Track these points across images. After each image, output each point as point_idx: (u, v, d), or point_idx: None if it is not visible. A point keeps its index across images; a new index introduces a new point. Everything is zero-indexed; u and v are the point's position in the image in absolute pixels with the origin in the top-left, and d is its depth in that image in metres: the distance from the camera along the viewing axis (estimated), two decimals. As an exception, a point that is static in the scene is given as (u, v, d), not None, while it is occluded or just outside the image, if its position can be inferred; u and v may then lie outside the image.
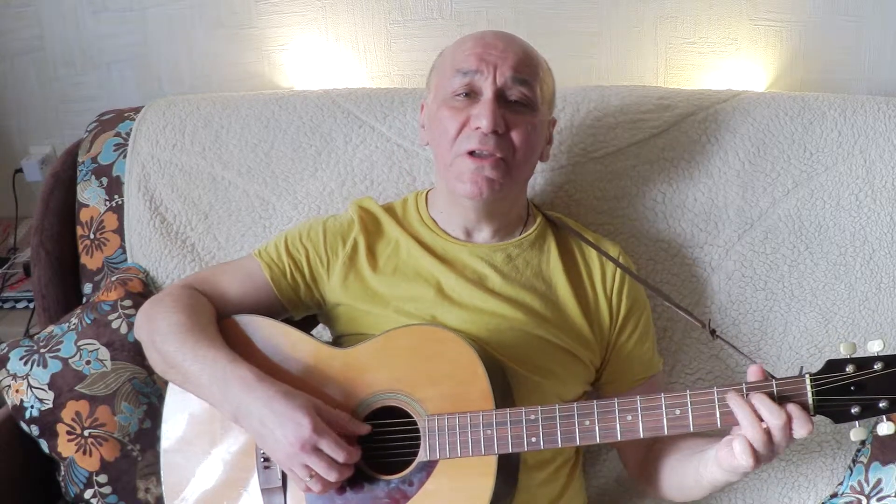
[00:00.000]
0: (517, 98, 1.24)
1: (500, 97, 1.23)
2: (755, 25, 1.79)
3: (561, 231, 1.36)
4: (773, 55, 1.81)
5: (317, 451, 1.10)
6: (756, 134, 1.52)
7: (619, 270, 1.32)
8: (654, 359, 1.36)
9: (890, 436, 0.98)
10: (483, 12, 1.87)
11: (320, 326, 1.45)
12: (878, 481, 1.36)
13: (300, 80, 1.97)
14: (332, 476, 1.10)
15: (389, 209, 1.38)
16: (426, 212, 1.36)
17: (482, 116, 1.20)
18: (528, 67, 1.25)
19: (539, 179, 1.53)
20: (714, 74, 1.83)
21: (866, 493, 1.37)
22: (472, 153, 1.22)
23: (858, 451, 1.45)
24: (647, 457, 1.29)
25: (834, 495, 1.46)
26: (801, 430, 0.99)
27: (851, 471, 1.45)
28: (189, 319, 1.23)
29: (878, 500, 1.34)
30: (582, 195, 1.52)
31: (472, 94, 1.24)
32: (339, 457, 1.10)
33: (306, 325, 1.41)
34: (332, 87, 1.71)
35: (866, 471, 1.39)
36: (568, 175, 1.53)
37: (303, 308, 1.37)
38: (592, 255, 1.33)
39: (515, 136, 1.22)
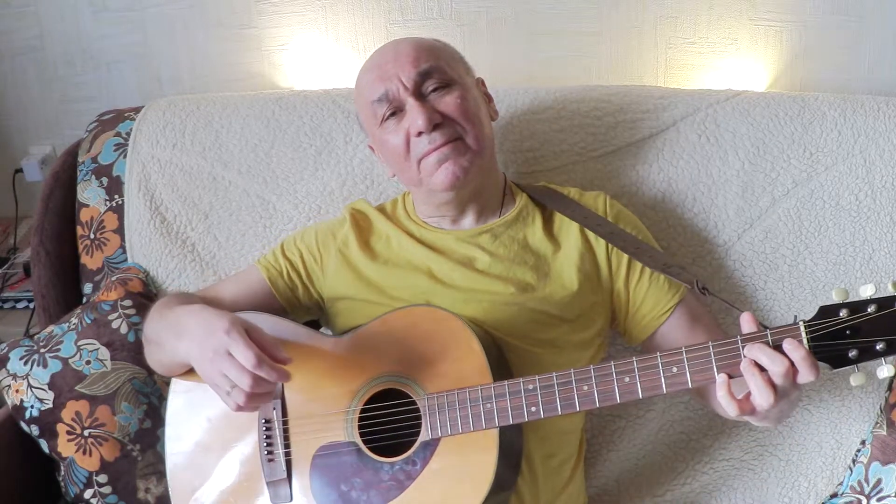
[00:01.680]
0: (435, 85, 1.26)
1: (419, 96, 1.25)
2: (755, 25, 1.79)
3: (545, 204, 1.37)
4: (773, 55, 1.81)
5: (229, 356, 1.06)
6: (756, 134, 1.52)
7: (608, 215, 1.34)
8: (675, 284, 1.32)
9: (891, 378, 0.98)
10: (483, 12, 1.87)
11: (323, 329, 1.46)
12: (878, 481, 1.36)
13: (300, 80, 1.97)
14: (244, 382, 1.05)
15: (381, 208, 1.42)
16: (413, 209, 1.39)
17: (415, 120, 1.23)
18: (424, 57, 1.28)
19: (539, 179, 1.53)
20: (714, 74, 1.83)
21: (866, 493, 1.37)
22: (429, 152, 1.24)
23: (858, 451, 1.45)
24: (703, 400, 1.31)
25: (834, 495, 1.46)
26: (808, 374, 0.98)
27: (851, 471, 1.45)
28: (172, 299, 1.29)
29: (878, 500, 1.34)
30: (582, 195, 1.52)
31: (398, 112, 1.27)
32: (247, 361, 1.04)
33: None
34: (332, 87, 1.71)
35: (866, 471, 1.39)
36: (568, 175, 1.53)
37: (302, 310, 1.39)
38: (578, 213, 1.34)
39: (453, 113, 1.25)
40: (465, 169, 1.25)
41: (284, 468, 1.20)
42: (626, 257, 1.30)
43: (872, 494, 1.35)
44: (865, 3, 1.74)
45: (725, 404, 1.02)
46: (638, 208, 1.51)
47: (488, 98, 1.38)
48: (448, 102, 1.26)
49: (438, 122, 1.24)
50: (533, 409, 1.09)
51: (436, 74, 1.27)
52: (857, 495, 1.38)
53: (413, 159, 1.26)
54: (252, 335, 1.07)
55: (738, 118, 1.53)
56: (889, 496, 1.32)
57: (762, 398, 0.99)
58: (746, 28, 1.80)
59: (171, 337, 1.21)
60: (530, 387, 1.09)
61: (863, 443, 1.45)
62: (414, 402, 1.15)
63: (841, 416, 1.47)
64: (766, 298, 1.49)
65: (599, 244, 1.31)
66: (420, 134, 1.24)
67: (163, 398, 1.46)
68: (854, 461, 1.45)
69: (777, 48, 1.80)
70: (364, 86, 1.31)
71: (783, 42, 1.80)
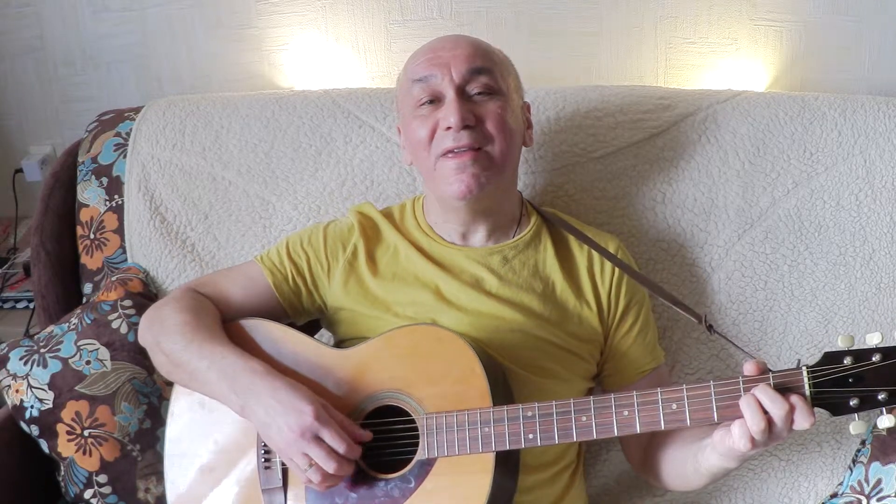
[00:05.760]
0: (480, 89, 1.25)
1: (462, 94, 1.24)
2: (755, 25, 1.80)
3: (557, 227, 1.36)
4: (773, 55, 1.81)
5: (317, 439, 1.10)
6: (756, 134, 1.52)
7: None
8: (657, 350, 1.36)
9: (890, 429, 0.98)
10: (483, 12, 1.87)
11: (322, 330, 1.46)
12: (878, 481, 1.36)
13: (300, 80, 1.97)
14: (330, 466, 1.10)
15: (388, 214, 1.39)
16: (423, 217, 1.36)
17: (449, 115, 1.22)
18: (480, 57, 1.27)
19: (539, 179, 1.53)
20: (714, 74, 1.83)
21: (866, 493, 1.37)
22: (450, 152, 1.22)
23: (858, 451, 1.45)
24: (647, 449, 1.29)
25: (834, 495, 1.46)
26: (803, 422, 0.99)
27: (851, 471, 1.45)
28: (195, 319, 1.25)
29: (878, 500, 1.33)
30: (582, 195, 1.52)
31: (436, 101, 1.25)
32: (340, 447, 1.10)
33: (310, 330, 1.41)
34: (332, 87, 1.71)
35: (866, 471, 1.39)
36: (568, 175, 1.53)
37: (304, 314, 1.38)
38: (591, 251, 1.34)
39: (489, 124, 1.24)
40: (481, 184, 1.22)
41: (280, 477, 1.19)
42: (622, 307, 1.31)
43: (872, 494, 1.35)
44: (865, 3, 1.75)
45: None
46: (637, 209, 1.51)
47: (528, 124, 1.36)
48: (488, 108, 1.24)
49: (471, 124, 1.22)
50: (530, 436, 1.08)
51: (485, 77, 1.25)
52: (857, 495, 1.38)
53: (433, 154, 1.24)
54: (330, 414, 1.12)
55: (738, 118, 1.53)
56: (889, 496, 1.32)
57: (755, 424, 0.99)
58: (746, 28, 1.80)
59: (217, 380, 1.18)
60: (529, 414, 1.09)
61: (863, 443, 1.45)
62: (413, 421, 1.14)
63: (841, 417, 1.46)
64: (766, 298, 1.49)
65: (604, 285, 1.31)
66: (448, 129, 1.22)
67: (163, 398, 1.46)
68: (854, 461, 1.45)
69: (777, 48, 1.80)
70: (411, 64, 1.30)
71: (783, 42, 1.80)
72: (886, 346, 0.98)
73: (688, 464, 1.17)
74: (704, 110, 1.54)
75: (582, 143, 1.54)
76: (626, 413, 1.06)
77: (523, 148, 1.33)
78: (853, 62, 1.79)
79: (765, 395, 1.00)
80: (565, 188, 1.52)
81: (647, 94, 1.58)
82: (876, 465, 1.38)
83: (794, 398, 0.99)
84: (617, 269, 1.31)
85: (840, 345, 0.99)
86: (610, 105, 1.55)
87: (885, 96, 1.55)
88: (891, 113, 1.50)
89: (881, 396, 0.97)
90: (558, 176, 1.53)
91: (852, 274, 1.48)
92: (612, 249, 1.34)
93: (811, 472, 1.48)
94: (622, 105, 1.55)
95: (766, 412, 1.00)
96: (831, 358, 1.00)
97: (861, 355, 0.98)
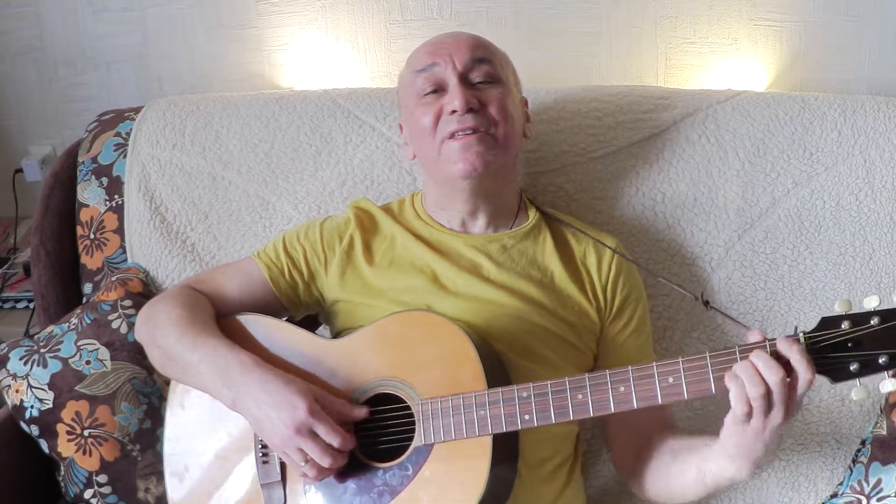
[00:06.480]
0: (482, 78, 1.28)
1: (465, 81, 1.27)
2: (755, 25, 1.79)
3: (557, 224, 1.37)
4: (773, 55, 1.81)
5: (312, 434, 1.11)
6: (756, 134, 1.52)
7: (615, 261, 1.33)
8: (650, 354, 1.36)
9: (893, 393, 0.95)
10: (483, 12, 1.87)
11: (322, 327, 1.46)
12: (878, 481, 1.36)
13: (300, 80, 1.97)
14: (325, 461, 1.11)
15: (387, 208, 1.41)
16: (422, 207, 1.38)
17: (453, 99, 1.25)
18: (481, 48, 1.31)
19: (540, 179, 1.53)
20: (714, 74, 1.83)
21: (866, 493, 1.37)
22: (455, 134, 1.24)
23: (858, 451, 1.45)
24: (640, 457, 1.28)
25: (834, 495, 1.46)
26: (805, 373, 0.95)
27: (851, 471, 1.45)
28: (188, 313, 1.25)
29: (878, 500, 1.34)
30: (582, 195, 1.52)
31: (439, 90, 1.28)
32: (335, 441, 1.11)
33: (309, 326, 1.41)
34: (332, 87, 1.71)
35: (866, 471, 1.39)
36: (568, 175, 1.53)
37: (302, 307, 1.38)
38: (589, 245, 1.34)
39: (492, 109, 1.26)
40: (486, 162, 1.24)
41: (279, 471, 1.19)
42: (618, 302, 1.32)
43: (872, 494, 1.35)
44: (865, 3, 1.75)
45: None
46: (638, 209, 1.51)
47: (527, 118, 1.38)
48: (490, 94, 1.27)
49: (475, 107, 1.25)
50: (526, 416, 1.08)
51: (486, 66, 1.28)
52: (857, 495, 1.38)
53: (437, 139, 1.26)
54: (323, 403, 1.12)
55: (738, 118, 1.53)
56: (889, 496, 1.32)
57: (753, 388, 0.96)
58: (746, 28, 1.80)
59: (208, 373, 1.18)
60: (524, 394, 1.08)
61: (863, 443, 1.45)
62: (409, 408, 1.14)
63: (841, 416, 1.47)
64: (766, 298, 1.49)
65: (601, 278, 1.32)
66: (453, 113, 1.24)
67: (163, 398, 1.46)
68: (854, 461, 1.45)
69: (777, 48, 1.80)
70: (414, 57, 1.33)
71: (783, 42, 1.80)
72: (885, 308, 0.95)
73: (689, 471, 1.15)
74: (704, 110, 1.54)
75: (582, 143, 1.54)
76: (622, 389, 1.04)
77: (523, 146, 1.34)
78: (853, 62, 1.79)
79: (760, 360, 0.97)
80: (565, 188, 1.53)
81: (647, 94, 1.58)
82: (876, 465, 1.38)
83: (792, 353, 0.96)
84: (614, 265, 1.32)
85: (837, 309, 0.97)
86: (610, 105, 1.55)
87: (885, 96, 1.55)
88: (891, 113, 1.50)
89: (882, 360, 0.94)
90: (558, 176, 1.53)
91: (852, 274, 1.48)
92: (609, 243, 1.35)
93: (811, 472, 1.48)
94: (622, 105, 1.55)
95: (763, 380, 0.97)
96: (829, 323, 0.97)
97: (859, 319, 0.95)
